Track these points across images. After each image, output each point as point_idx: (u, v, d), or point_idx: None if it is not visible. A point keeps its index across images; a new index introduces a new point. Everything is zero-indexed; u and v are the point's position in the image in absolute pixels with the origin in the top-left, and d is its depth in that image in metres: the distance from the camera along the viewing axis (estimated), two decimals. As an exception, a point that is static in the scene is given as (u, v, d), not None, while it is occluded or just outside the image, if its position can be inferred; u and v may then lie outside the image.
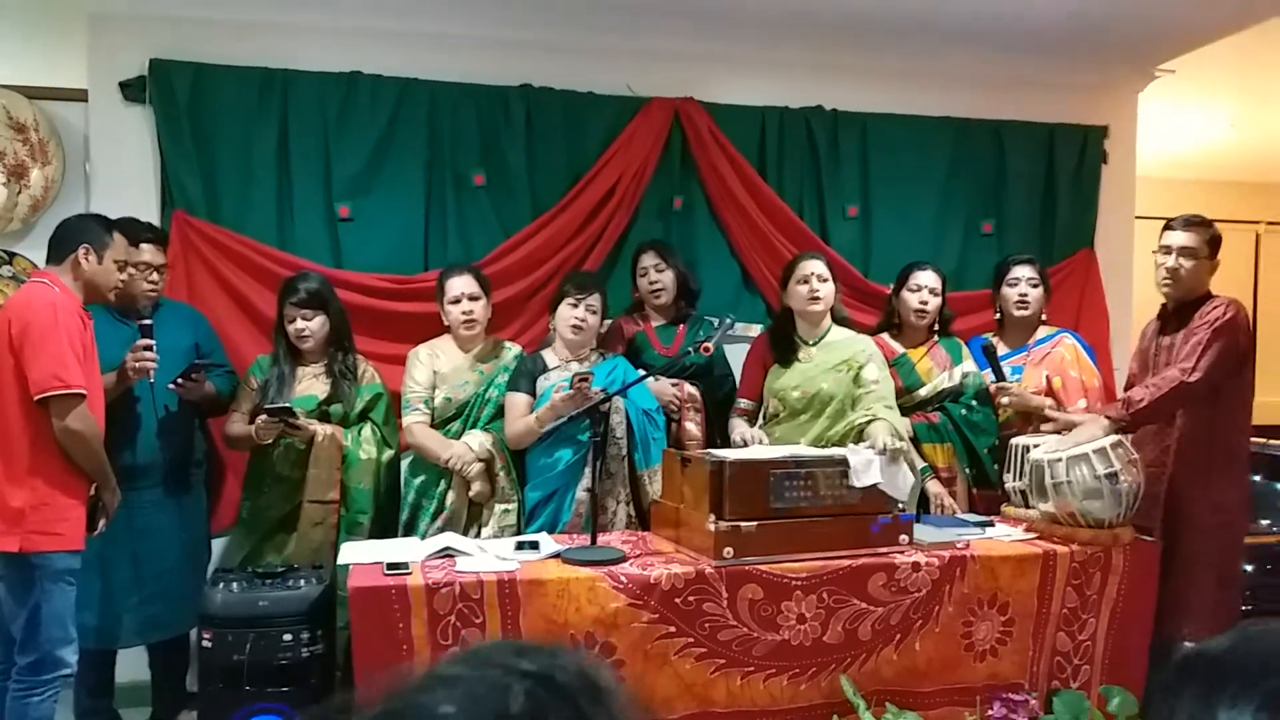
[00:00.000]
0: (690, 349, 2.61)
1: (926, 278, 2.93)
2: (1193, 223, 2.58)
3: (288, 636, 2.25)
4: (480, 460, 2.64)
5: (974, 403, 2.87)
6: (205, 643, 2.26)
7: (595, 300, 2.72)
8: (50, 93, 3.13)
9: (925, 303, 2.91)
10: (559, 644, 0.63)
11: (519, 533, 2.61)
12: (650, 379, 2.73)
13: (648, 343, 3.00)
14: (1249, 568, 3.10)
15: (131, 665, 2.82)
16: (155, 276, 2.69)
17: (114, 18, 3.03)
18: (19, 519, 2.19)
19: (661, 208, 3.42)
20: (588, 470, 2.57)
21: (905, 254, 3.28)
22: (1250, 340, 2.53)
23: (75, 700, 2.67)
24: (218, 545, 2.88)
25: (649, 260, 3.02)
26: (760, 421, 2.85)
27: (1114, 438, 2.42)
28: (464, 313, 2.74)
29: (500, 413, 2.72)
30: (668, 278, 3.01)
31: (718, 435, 2.91)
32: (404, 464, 2.81)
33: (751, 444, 2.64)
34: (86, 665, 2.42)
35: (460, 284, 2.75)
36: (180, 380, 2.58)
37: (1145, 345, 2.72)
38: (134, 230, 2.56)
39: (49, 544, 2.21)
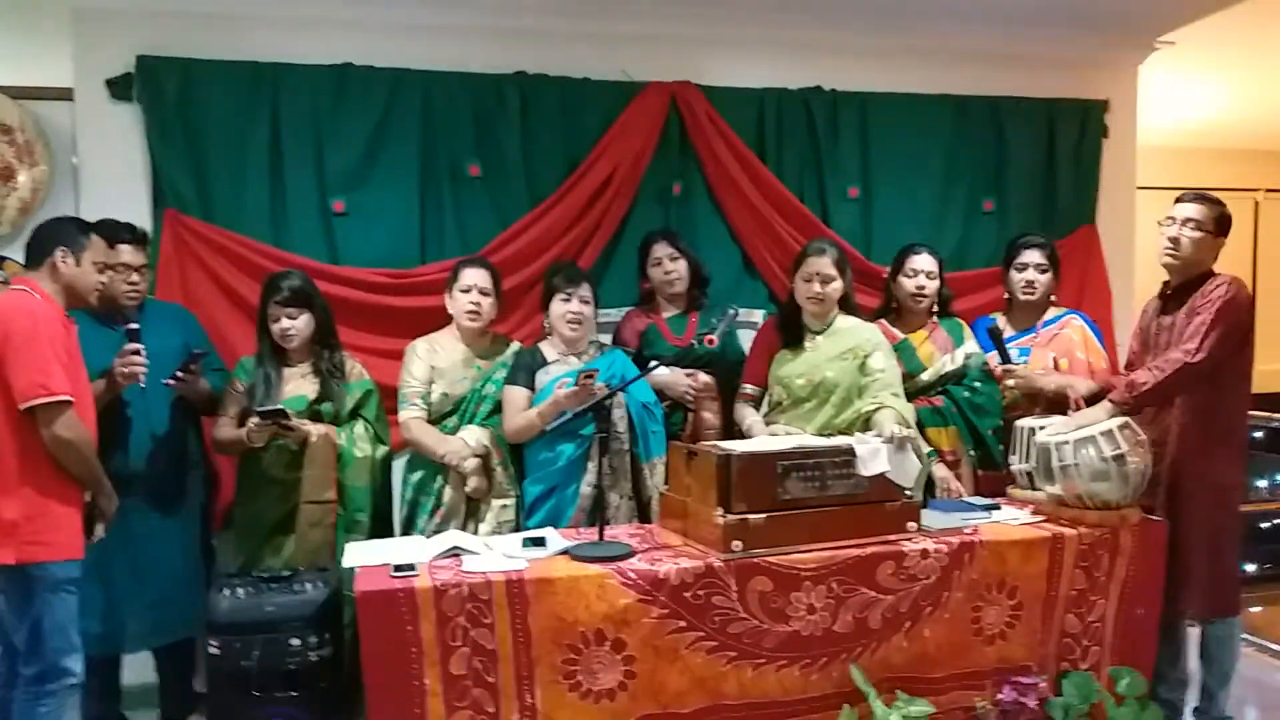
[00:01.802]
0: (694, 342, 2.59)
1: (922, 261, 2.90)
2: (1202, 197, 2.56)
3: (295, 641, 2.24)
4: (477, 456, 2.63)
5: (977, 384, 2.86)
6: (212, 649, 2.25)
7: (586, 290, 2.69)
8: (35, 92, 3.08)
9: (922, 287, 2.89)
10: None
11: (518, 528, 2.61)
12: (663, 370, 2.71)
13: (659, 335, 2.98)
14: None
15: (139, 669, 2.83)
16: (135, 278, 2.63)
17: (98, 14, 2.97)
18: (13, 531, 2.16)
19: (661, 193, 3.38)
20: (591, 465, 2.56)
21: (907, 234, 3.25)
22: (1252, 318, 2.51)
23: (83, 707, 2.68)
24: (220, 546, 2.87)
25: (662, 250, 2.99)
26: (765, 409, 2.83)
27: (1121, 419, 2.41)
28: (472, 303, 2.71)
29: (498, 409, 2.70)
30: (682, 266, 2.99)
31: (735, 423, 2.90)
32: (400, 461, 2.79)
33: (762, 433, 2.62)
34: (91, 672, 2.40)
35: (475, 275, 2.73)
36: (179, 375, 2.55)
37: (1146, 324, 2.70)
38: (111, 231, 2.50)
39: (45, 554, 2.19)
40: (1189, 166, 5.07)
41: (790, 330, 2.80)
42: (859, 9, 3.34)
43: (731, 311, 2.66)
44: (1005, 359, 2.79)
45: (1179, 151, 5.21)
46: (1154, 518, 2.49)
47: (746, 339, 3.02)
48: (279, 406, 2.55)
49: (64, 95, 3.04)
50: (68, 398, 2.17)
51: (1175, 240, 2.53)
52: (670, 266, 2.98)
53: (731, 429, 2.85)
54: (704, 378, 2.85)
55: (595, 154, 3.26)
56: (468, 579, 2.05)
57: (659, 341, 2.95)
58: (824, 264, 2.72)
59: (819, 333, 2.77)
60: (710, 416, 2.83)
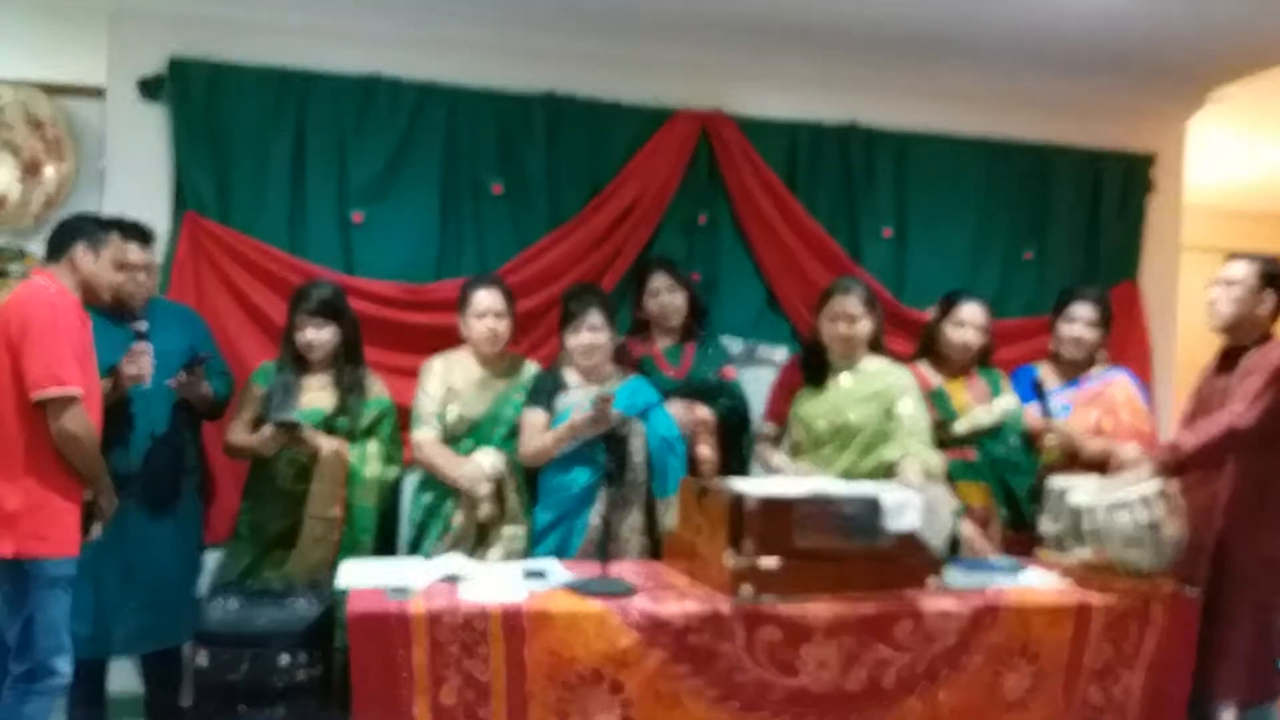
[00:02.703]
0: (712, 375, 2.51)
1: (973, 313, 2.75)
2: (1246, 256, 2.49)
3: (285, 658, 2.19)
4: (491, 480, 2.55)
5: (1012, 441, 2.73)
6: (200, 660, 2.20)
7: (595, 317, 2.58)
8: (68, 89, 3.10)
9: (971, 339, 2.75)
10: None
11: (526, 556, 2.52)
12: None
13: (654, 365, 2.88)
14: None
15: (127, 677, 2.77)
16: (141, 277, 2.60)
17: (134, 15, 2.99)
18: (13, 522, 2.14)
19: (686, 223, 3.32)
20: (603, 494, 2.48)
21: (942, 278, 3.18)
22: None
23: (68, 711, 2.61)
24: (211, 557, 2.79)
25: (660, 282, 2.89)
26: (784, 450, 2.73)
27: (1159, 485, 2.28)
28: (489, 328, 2.63)
29: (514, 432, 2.62)
30: (679, 299, 2.89)
31: (732, 459, 2.80)
32: (410, 481, 2.72)
33: (789, 474, 2.54)
34: (78, 676, 2.35)
35: (488, 298, 2.64)
36: (181, 377, 2.52)
37: (1200, 385, 2.59)
38: (122, 229, 2.50)
39: (43, 549, 2.16)
40: (1236, 228, 4.95)
41: (813, 369, 2.70)
42: (900, 46, 3.28)
43: (751, 346, 2.58)
44: (1046, 413, 2.67)
45: (1226, 213, 5.09)
46: (1189, 590, 2.35)
47: (753, 376, 2.91)
48: (293, 418, 2.50)
49: (95, 93, 3.06)
50: (78, 391, 2.16)
51: (1211, 302, 2.49)
52: (668, 299, 2.87)
53: (727, 465, 2.76)
54: (703, 411, 2.76)
55: (620, 179, 3.21)
56: (463, 606, 1.97)
57: (654, 372, 2.84)
58: (850, 303, 2.62)
59: (846, 372, 2.67)
60: (706, 451, 2.73)
